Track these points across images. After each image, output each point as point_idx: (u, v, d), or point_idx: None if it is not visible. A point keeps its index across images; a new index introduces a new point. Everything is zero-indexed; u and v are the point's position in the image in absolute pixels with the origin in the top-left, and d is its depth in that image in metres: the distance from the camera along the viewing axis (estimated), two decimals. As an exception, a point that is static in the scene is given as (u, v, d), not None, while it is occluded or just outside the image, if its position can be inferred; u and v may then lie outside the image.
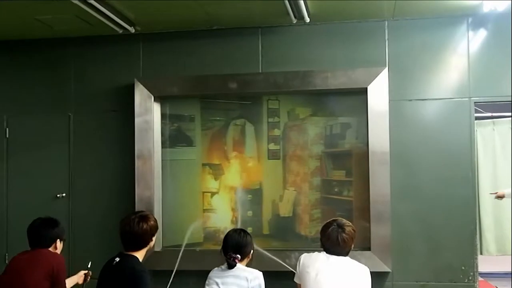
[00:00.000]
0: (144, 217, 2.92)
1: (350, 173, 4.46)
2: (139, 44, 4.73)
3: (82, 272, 3.56)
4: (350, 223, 3.00)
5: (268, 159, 4.58)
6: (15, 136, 4.88)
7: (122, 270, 2.77)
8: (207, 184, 4.66)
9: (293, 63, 4.48)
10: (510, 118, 5.43)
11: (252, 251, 3.15)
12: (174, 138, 4.71)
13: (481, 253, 5.43)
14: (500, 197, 4.03)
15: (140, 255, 2.88)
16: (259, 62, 4.57)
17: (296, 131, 4.55)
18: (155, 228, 2.96)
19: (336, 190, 4.49)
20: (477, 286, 4.26)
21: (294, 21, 4.35)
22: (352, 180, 4.44)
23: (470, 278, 4.22)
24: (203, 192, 4.67)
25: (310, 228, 4.48)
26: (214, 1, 3.98)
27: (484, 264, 5.23)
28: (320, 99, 4.53)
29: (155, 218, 2.99)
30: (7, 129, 4.89)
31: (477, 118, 4.57)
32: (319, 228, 3.07)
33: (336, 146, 4.50)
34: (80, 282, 3.55)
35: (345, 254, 2.92)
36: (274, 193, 4.57)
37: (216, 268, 3.08)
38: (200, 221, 4.58)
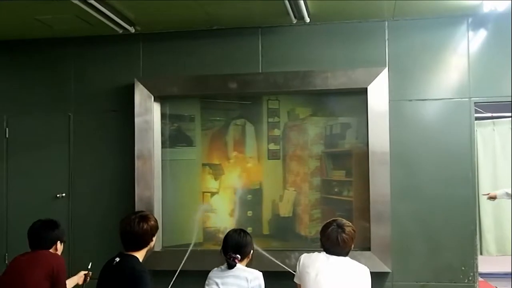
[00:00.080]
0: (145, 217, 2.92)
1: (350, 173, 4.46)
2: (139, 44, 4.73)
3: (82, 273, 3.56)
4: (350, 223, 3.00)
5: (268, 159, 4.58)
6: (15, 136, 4.88)
7: (122, 270, 2.77)
8: (207, 184, 4.66)
9: (293, 63, 4.47)
10: (510, 119, 5.42)
11: (252, 251, 3.14)
12: (174, 138, 4.71)
13: (481, 254, 5.42)
14: (492, 198, 4.02)
15: (140, 255, 2.87)
16: (259, 62, 4.57)
17: (296, 131, 4.55)
18: (156, 228, 2.95)
19: (336, 190, 4.49)
20: (477, 287, 4.26)
21: (294, 21, 4.35)
22: (352, 180, 4.44)
23: (470, 278, 4.22)
24: (203, 192, 4.67)
25: (310, 228, 4.48)
26: (214, 1, 3.98)
27: (484, 265, 5.23)
28: (320, 99, 4.53)
29: (155, 218, 2.99)
30: (7, 129, 4.89)
31: (477, 119, 4.57)
32: (319, 228, 3.07)
33: (336, 146, 4.50)
34: (80, 282, 3.55)
35: (345, 254, 2.92)
36: (274, 193, 4.57)
37: (216, 268, 3.08)
38: (204, 207, 4.56)
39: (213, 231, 4.61)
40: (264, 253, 3.81)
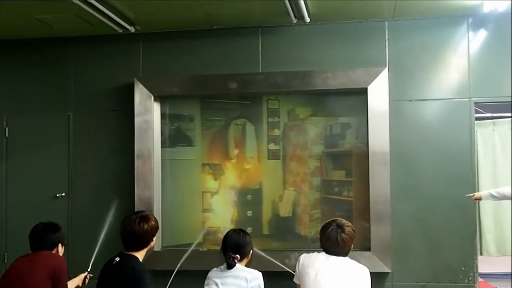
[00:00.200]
0: (145, 217, 2.91)
1: (350, 173, 4.46)
2: (139, 43, 4.73)
3: (83, 275, 3.56)
4: (350, 223, 2.99)
5: (268, 159, 4.58)
6: (14, 135, 4.88)
7: (122, 270, 2.76)
8: (207, 184, 4.66)
9: (293, 63, 4.47)
10: (510, 119, 5.41)
11: (251, 251, 3.14)
12: (174, 138, 4.70)
13: (481, 254, 5.41)
14: (478, 199, 4.01)
15: (140, 255, 2.87)
16: (259, 62, 4.57)
17: (296, 131, 4.54)
18: (156, 228, 2.95)
19: (336, 190, 4.49)
20: (477, 287, 4.26)
21: (294, 21, 4.35)
22: (352, 180, 4.44)
23: (470, 278, 4.22)
24: (203, 192, 4.66)
25: (309, 228, 4.48)
26: (214, 1, 3.98)
27: (484, 265, 5.22)
28: (320, 99, 4.52)
29: (155, 218, 2.98)
30: (7, 128, 4.89)
31: (477, 119, 4.57)
32: (319, 228, 3.06)
33: (336, 146, 4.50)
34: (80, 284, 3.55)
35: (344, 254, 2.91)
36: (274, 193, 4.57)
37: (215, 268, 3.07)
38: (204, 230, 4.58)
39: (213, 231, 4.61)
40: (263, 254, 3.80)
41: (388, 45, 4.41)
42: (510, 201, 4.82)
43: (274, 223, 4.56)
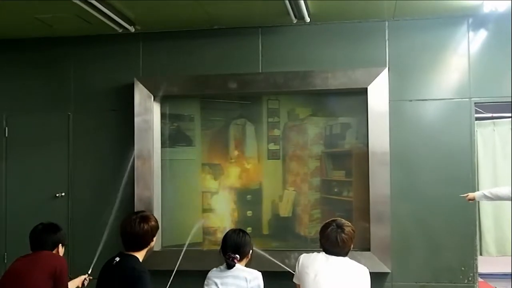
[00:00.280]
0: (145, 217, 2.91)
1: (350, 173, 4.45)
2: (139, 43, 4.73)
3: (83, 277, 3.55)
4: (349, 223, 2.99)
5: (268, 159, 4.58)
6: (14, 135, 4.87)
7: (122, 270, 2.76)
8: (207, 184, 4.66)
9: (293, 63, 4.47)
10: (511, 119, 5.41)
11: (251, 251, 3.14)
12: (174, 138, 4.70)
13: (481, 254, 5.41)
14: (471, 199, 3.99)
15: (140, 255, 2.87)
16: (259, 62, 4.57)
17: (296, 131, 4.54)
18: (156, 228, 2.95)
19: (336, 190, 4.49)
20: (477, 287, 4.25)
21: (294, 21, 4.35)
22: (352, 180, 4.44)
23: (470, 279, 4.21)
24: (203, 192, 4.66)
25: (309, 229, 4.48)
26: (214, 1, 3.97)
27: (484, 265, 5.22)
28: (320, 99, 4.52)
29: (156, 219, 2.98)
30: (6, 128, 4.89)
31: (477, 119, 4.57)
32: (319, 229, 3.06)
33: (336, 147, 4.50)
34: (80, 285, 3.55)
35: (344, 254, 2.91)
36: (274, 193, 4.56)
37: (215, 269, 3.07)
38: (201, 221, 4.57)
39: (213, 231, 4.60)
40: (263, 254, 3.80)
41: (388, 45, 4.41)
42: (508, 201, 4.82)
43: (274, 223, 4.56)
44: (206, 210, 4.64)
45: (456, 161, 4.26)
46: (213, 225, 4.63)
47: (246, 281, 2.94)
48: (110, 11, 4.08)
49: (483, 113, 5.36)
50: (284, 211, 4.55)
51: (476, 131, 5.04)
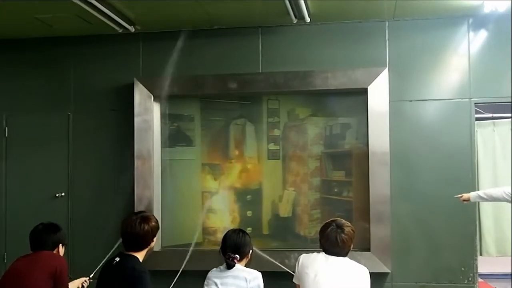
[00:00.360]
0: (146, 218, 2.91)
1: (350, 173, 4.45)
2: (139, 43, 4.73)
3: (83, 279, 3.55)
4: (349, 224, 2.99)
5: (268, 159, 4.58)
6: (14, 135, 4.87)
7: (122, 270, 2.76)
8: (207, 184, 4.65)
9: (293, 63, 4.47)
10: (510, 119, 5.41)
11: (251, 251, 3.13)
12: (173, 138, 4.70)
13: (481, 254, 5.41)
14: (466, 200, 3.98)
15: (140, 255, 2.87)
16: (259, 62, 4.56)
17: (296, 131, 4.54)
18: (156, 229, 2.95)
19: (335, 190, 4.48)
20: (477, 287, 4.25)
21: (295, 21, 4.34)
22: (352, 180, 4.44)
23: (470, 279, 4.21)
24: (203, 192, 4.66)
25: (309, 229, 4.48)
26: (214, 1, 3.97)
27: (484, 265, 5.22)
28: (320, 99, 4.52)
29: (156, 219, 2.98)
30: (6, 128, 4.89)
31: (477, 119, 4.56)
32: (319, 229, 3.05)
33: (336, 147, 4.49)
34: (80, 287, 3.54)
35: (344, 254, 2.91)
36: (274, 193, 4.56)
37: (214, 269, 3.07)
38: (201, 216, 4.57)
39: (213, 231, 4.60)
40: (263, 254, 3.80)
41: (388, 45, 4.41)
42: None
43: (274, 223, 4.56)
44: (206, 210, 4.64)
45: (456, 161, 4.26)
46: (213, 225, 4.63)
47: (246, 281, 2.94)
48: (110, 11, 4.08)
49: (483, 113, 5.36)
50: (284, 211, 4.55)
51: (476, 131, 5.03)
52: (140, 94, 4.58)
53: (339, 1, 4.05)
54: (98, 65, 4.79)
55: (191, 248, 4.31)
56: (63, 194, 4.76)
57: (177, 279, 4.01)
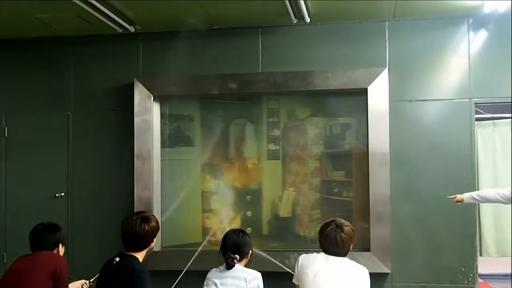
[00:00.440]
0: (146, 218, 2.91)
1: (349, 173, 4.45)
2: (139, 43, 4.72)
3: (83, 281, 3.55)
4: (349, 223, 2.99)
5: (268, 159, 4.57)
6: (13, 135, 4.87)
7: (122, 270, 2.76)
8: (207, 184, 4.65)
9: (293, 63, 4.47)
10: (511, 119, 5.41)
11: (251, 251, 3.13)
12: (173, 138, 4.70)
13: (480, 255, 5.41)
14: (459, 201, 3.97)
15: (140, 255, 2.87)
16: (259, 62, 4.56)
17: (296, 131, 4.54)
18: (157, 229, 2.95)
19: (335, 190, 4.48)
20: (477, 288, 4.26)
21: (294, 21, 4.34)
22: (352, 180, 4.43)
23: (470, 279, 4.21)
24: (203, 192, 4.66)
25: (309, 229, 4.47)
26: (214, 1, 3.97)
27: (484, 266, 5.22)
28: (320, 100, 4.52)
29: (156, 219, 2.98)
30: (6, 128, 4.88)
31: (477, 119, 4.56)
32: (318, 229, 3.05)
33: (336, 147, 4.49)
34: None
35: (344, 254, 2.91)
36: (274, 194, 4.56)
37: (214, 269, 3.07)
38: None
39: (213, 231, 4.59)
40: (263, 254, 3.80)
41: (388, 45, 4.41)
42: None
43: (274, 223, 4.55)
44: (206, 210, 4.64)
45: (456, 162, 4.25)
46: (213, 225, 4.62)
47: (246, 281, 2.94)
48: (110, 11, 4.07)
49: (483, 114, 5.36)
50: (284, 211, 4.54)
51: (476, 131, 5.04)
52: (140, 94, 4.58)
53: (339, 1, 4.04)
54: (98, 65, 4.79)
55: (199, 248, 4.33)
56: (62, 194, 4.76)
57: (176, 279, 4.02)
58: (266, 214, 4.56)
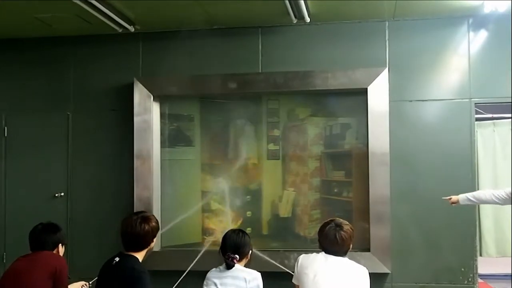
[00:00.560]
0: (146, 218, 2.91)
1: (349, 174, 4.45)
2: (139, 43, 4.72)
3: (82, 282, 3.55)
4: (348, 223, 2.99)
5: (268, 159, 4.57)
6: (13, 135, 4.86)
7: (121, 270, 2.76)
8: (206, 184, 4.65)
9: (293, 63, 4.47)
10: (511, 120, 5.41)
11: (250, 251, 3.13)
12: (173, 138, 4.69)
13: (480, 255, 5.41)
14: (454, 203, 3.95)
15: (140, 255, 2.86)
16: (259, 62, 4.56)
17: (296, 131, 4.54)
18: (157, 229, 2.95)
19: (335, 190, 4.48)
20: (477, 288, 4.26)
21: (294, 21, 4.34)
22: (352, 181, 4.43)
23: (470, 279, 4.21)
24: (203, 192, 4.65)
25: (309, 229, 4.47)
26: (214, 1, 3.97)
27: (484, 266, 5.22)
28: (320, 100, 4.52)
29: (156, 219, 2.98)
30: (6, 128, 4.88)
31: (477, 119, 4.56)
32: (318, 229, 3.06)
33: (336, 147, 4.49)
34: None
35: (343, 253, 2.91)
36: (274, 194, 4.56)
37: (214, 269, 3.07)
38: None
39: (212, 231, 4.60)
40: (262, 255, 3.79)
41: (388, 45, 4.40)
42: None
43: (274, 223, 4.55)
44: (206, 210, 4.64)
45: (456, 162, 4.25)
46: (213, 225, 4.62)
47: (245, 281, 2.94)
48: (110, 11, 4.07)
49: (483, 114, 5.36)
50: (284, 211, 4.54)
51: (476, 131, 5.03)
52: (140, 94, 4.58)
53: (339, 1, 4.04)
54: (98, 65, 4.79)
55: (203, 250, 4.32)
56: (62, 194, 4.75)
57: (176, 279, 4.01)
58: (266, 214, 4.56)
